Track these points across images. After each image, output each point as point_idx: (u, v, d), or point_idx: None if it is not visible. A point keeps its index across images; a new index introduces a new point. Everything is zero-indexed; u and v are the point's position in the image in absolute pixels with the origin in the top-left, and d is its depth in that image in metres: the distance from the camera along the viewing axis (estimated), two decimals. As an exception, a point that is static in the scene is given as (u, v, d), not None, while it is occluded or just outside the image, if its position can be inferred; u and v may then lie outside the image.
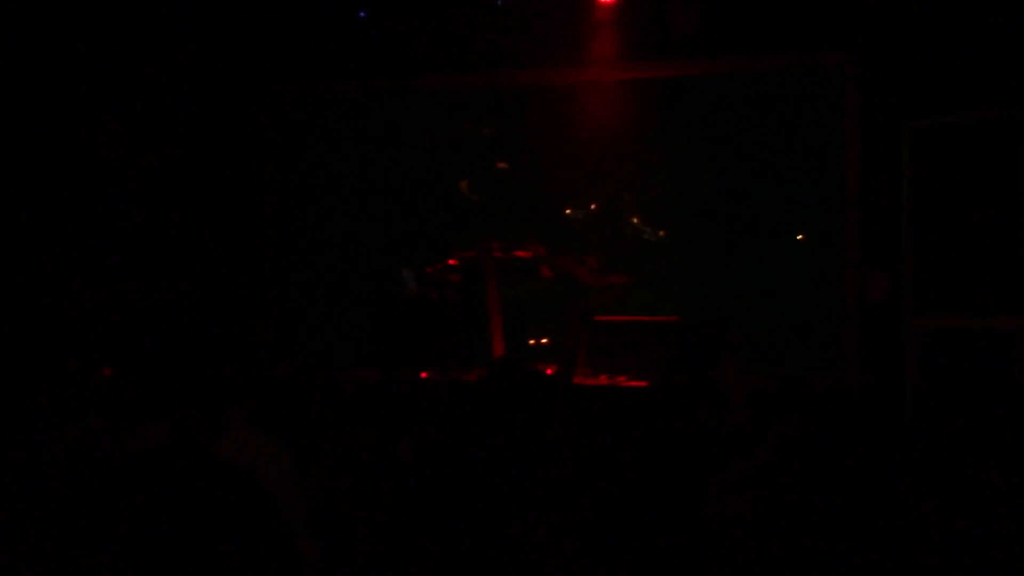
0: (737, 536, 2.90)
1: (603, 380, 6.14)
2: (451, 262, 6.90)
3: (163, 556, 1.69)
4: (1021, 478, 4.40)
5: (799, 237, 7.07)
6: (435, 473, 2.76)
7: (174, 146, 7.13)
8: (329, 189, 7.96)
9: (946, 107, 5.20)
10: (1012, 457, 4.49)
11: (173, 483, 1.79)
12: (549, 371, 5.97)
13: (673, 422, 3.55)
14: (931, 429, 4.78)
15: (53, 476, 2.07)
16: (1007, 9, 5.25)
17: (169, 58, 7.05)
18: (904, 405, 5.18)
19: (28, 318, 5.89)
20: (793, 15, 6.54)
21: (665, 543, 2.84)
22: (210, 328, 7.09)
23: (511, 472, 2.77)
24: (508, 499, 2.65)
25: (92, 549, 1.72)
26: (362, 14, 7.24)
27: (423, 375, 6.30)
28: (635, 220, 7.44)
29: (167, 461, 1.82)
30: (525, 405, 3.00)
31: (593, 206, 7.52)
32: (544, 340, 7.36)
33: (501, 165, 7.68)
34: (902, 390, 5.21)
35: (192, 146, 7.31)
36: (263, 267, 7.76)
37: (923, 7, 5.66)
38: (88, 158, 6.52)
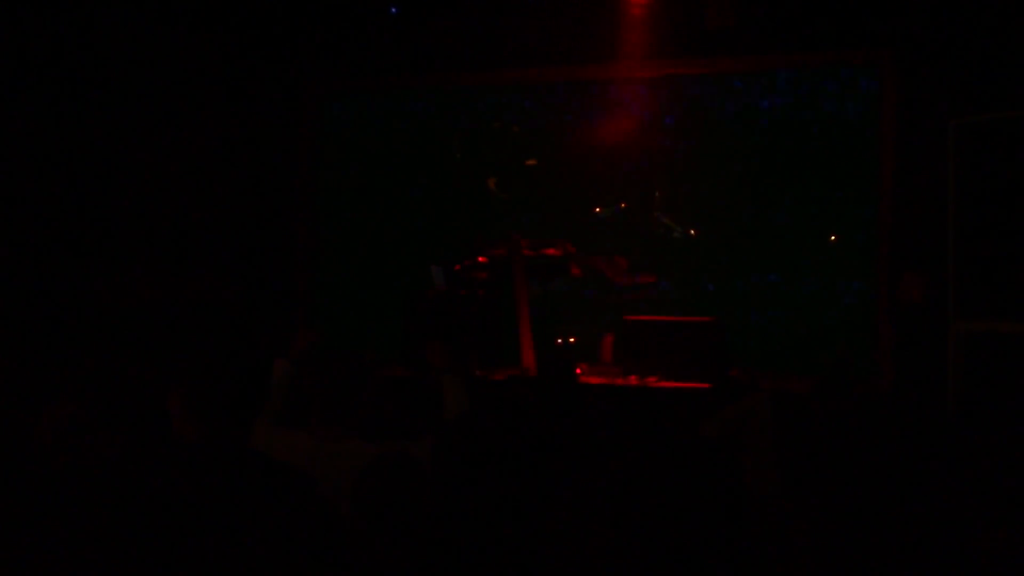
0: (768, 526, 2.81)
1: (632, 380, 6.06)
2: (480, 259, 6.82)
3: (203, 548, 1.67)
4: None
5: (832, 238, 6.93)
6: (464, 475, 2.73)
7: (203, 144, 7.09)
8: (359, 186, 7.91)
9: (992, 104, 5.05)
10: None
11: (211, 477, 1.77)
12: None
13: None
14: (973, 436, 4.65)
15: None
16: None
17: (203, 57, 7.01)
18: (944, 411, 5.04)
19: (57, 314, 5.88)
20: (832, 10, 6.40)
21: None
22: (235, 328, 7.04)
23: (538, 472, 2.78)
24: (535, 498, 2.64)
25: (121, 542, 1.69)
26: (393, 10, 7.17)
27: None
28: (666, 219, 7.33)
29: (205, 456, 1.80)
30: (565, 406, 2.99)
31: (623, 204, 7.42)
32: (572, 339, 7.28)
33: (530, 162, 7.59)
34: (942, 395, 5.07)
35: (222, 143, 7.27)
36: (291, 266, 7.72)
37: (967, 2, 5.51)
38: (117, 156, 6.49)
